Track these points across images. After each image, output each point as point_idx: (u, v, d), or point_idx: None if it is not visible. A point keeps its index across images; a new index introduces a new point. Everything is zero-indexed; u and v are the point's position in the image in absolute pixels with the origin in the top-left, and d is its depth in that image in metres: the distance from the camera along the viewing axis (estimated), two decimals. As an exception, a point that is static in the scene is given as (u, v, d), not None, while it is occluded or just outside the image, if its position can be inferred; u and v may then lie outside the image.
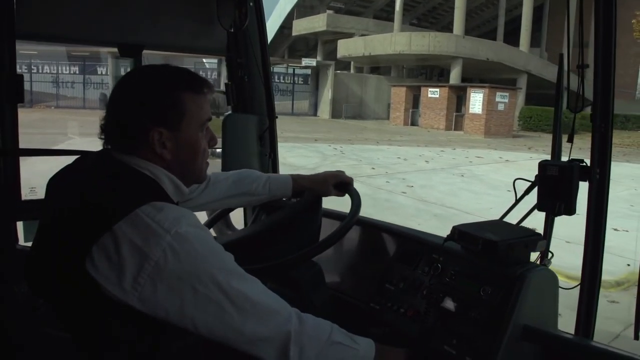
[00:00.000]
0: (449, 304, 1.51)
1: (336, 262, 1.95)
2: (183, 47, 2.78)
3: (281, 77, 36.97)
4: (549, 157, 1.90)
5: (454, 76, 33.52)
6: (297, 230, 1.72)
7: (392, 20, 42.29)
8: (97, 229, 1.01)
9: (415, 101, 31.45)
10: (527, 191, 1.81)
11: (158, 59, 3.46)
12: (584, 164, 1.66)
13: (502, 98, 26.37)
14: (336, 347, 1.18)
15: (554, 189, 1.71)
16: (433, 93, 29.50)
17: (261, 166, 2.50)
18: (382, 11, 45.81)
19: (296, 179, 1.81)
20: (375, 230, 1.94)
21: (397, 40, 34.47)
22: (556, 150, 1.84)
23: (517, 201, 1.86)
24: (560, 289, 1.55)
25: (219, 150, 2.34)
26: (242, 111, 2.52)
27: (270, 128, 2.52)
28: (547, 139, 29.48)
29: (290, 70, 37.07)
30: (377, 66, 43.17)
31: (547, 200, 1.73)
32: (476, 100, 26.22)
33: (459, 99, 28.86)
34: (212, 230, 2.07)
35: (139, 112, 1.16)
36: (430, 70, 44.80)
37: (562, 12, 41.34)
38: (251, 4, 2.35)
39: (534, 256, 1.66)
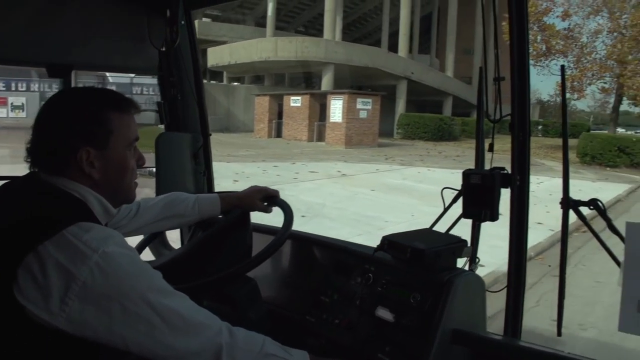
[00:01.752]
0: (382, 312, 1.59)
1: (271, 277, 2.05)
2: (113, 67, 2.84)
3: (143, 89, 34.12)
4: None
5: (326, 83, 32.97)
6: (228, 247, 1.81)
7: (276, 27, 40.58)
8: (22, 251, 1.05)
9: (279, 111, 29.85)
10: (454, 200, 1.92)
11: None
12: (505, 171, 1.76)
13: (364, 105, 25.47)
14: (269, 359, 1.25)
15: (477, 196, 1.80)
16: (295, 102, 28.66)
17: (196, 184, 2.58)
18: (264, 18, 43.99)
19: (224, 197, 1.91)
20: (308, 243, 2.05)
21: (263, 47, 33.33)
22: (479, 160, 1.93)
23: (445, 210, 1.97)
24: (487, 292, 1.66)
25: (154, 169, 2.40)
26: (176, 130, 2.56)
27: (204, 146, 2.59)
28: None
29: (153, 80, 34.21)
30: (257, 75, 41.30)
31: (472, 208, 1.83)
32: (336, 108, 25.38)
33: (323, 108, 28.79)
34: (148, 250, 2.17)
35: (66, 132, 1.21)
36: (307, 77, 43.38)
37: (452, 20, 40.81)
38: (182, 22, 2.41)
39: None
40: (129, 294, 1.08)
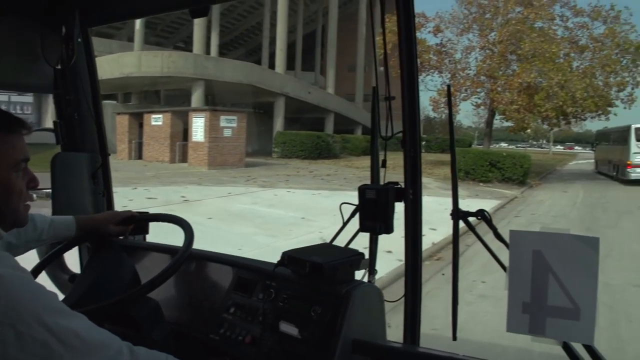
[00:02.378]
0: (284, 326, 1.63)
1: (174, 296, 2.02)
2: (4, 84, 2.80)
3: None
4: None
5: (196, 100, 30.98)
6: (112, 271, 1.79)
7: (148, 42, 38.02)
8: None
9: (141, 131, 27.48)
10: (352, 215, 1.99)
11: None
12: (399, 186, 1.86)
13: (228, 122, 23.74)
14: None
15: (373, 211, 1.89)
16: (156, 120, 26.47)
17: (95, 205, 2.56)
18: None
19: (79, 219, 1.92)
20: (210, 261, 2.05)
21: (126, 62, 30.78)
22: (374, 175, 2.02)
23: (344, 224, 2.03)
24: (386, 302, 1.75)
25: (49, 190, 2.35)
26: (73, 149, 2.52)
27: (103, 165, 2.59)
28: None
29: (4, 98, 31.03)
30: (129, 92, 38.45)
31: (368, 222, 1.91)
32: (198, 126, 23.33)
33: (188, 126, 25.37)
34: (45, 274, 2.09)
35: None
36: (186, 95, 41.36)
37: (339, 38, 40.30)
38: (79, 39, 2.40)
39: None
40: (23, 316, 1.05)
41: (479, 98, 27.73)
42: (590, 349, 1.41)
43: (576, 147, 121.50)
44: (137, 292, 1.63)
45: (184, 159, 25.55)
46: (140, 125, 28.70)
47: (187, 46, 47.74)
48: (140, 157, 28.13)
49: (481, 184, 21.74)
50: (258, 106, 36.95)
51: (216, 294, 1.93)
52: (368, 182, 2.01)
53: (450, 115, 2.01)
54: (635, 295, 7.13)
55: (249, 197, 15.54)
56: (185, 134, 26.11)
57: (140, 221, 2.08)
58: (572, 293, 1.32)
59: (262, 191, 16.91)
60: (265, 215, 12.27)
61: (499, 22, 26.88)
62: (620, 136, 28.51)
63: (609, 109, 26.98)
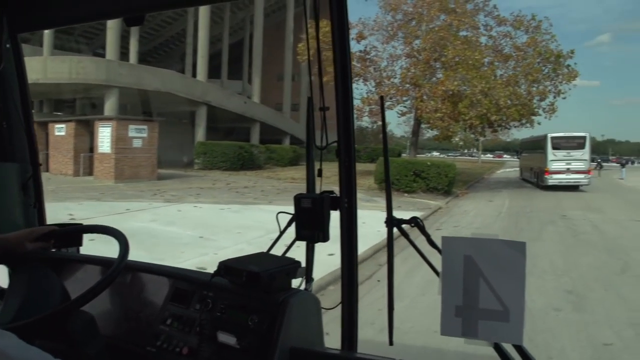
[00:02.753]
0: (222, 337, 1.63)
1: (109, 309, 1.97)
2: None
3: None
4: (168, 205, 6.77)
5: (110, 109, 28.87)
6: (36, 289, 1.73)
7: (65, 48, 35.76)
8: None
9: (47, 141, 25.39)
10: (289, 224, 1.99)
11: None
12: (334, 194, 1.90)
13: (138, 132, 22.06)
14: None
15: (309, 219, 1.91)
16: (59, 130, 24.52)
17: (26, 217, 2.48)
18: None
19: None
20: (146, 272, 2.01)
21: (30, 67, 26.97)
22: (309, 184, 2.05)
23: (281, 233, 2.05)
24: (323, 309, 1.78)
25: None
26: (2, 159, 2.44)
27: (34, 176, 2.52)
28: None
29: None
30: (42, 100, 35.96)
31: (305, 231, 1.94)
32: (104, 137, 21.31)
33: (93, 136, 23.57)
34: None
35: None
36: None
37: (268, 47, 39.07)
38: (7, 45, 2.34)
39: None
40: None
41: (404, 106, 27.13)
42: (519, 349, 1.49)
43: (505, 156, 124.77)
44: (68, 307, 1.59)
45: (90, 171, 23.60)
46: (46, 136, 26.40)
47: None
48: (47, 169, 25.99)
49: (406, 194, 21.06)
50: (180, 115, 35.31)
51: (152, 305, 1.88)
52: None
53: (384, 125, 2.08)
54: (556, 322, 6.45)
55: (149, 213, 14.04)
56: (93, 144, 24.12)
57: (66, 234, 2.09)
58: (502, 296, 1.37)
59: (165, 206, 15.44)
60: (159, 235, 10.95)
61: (424, 29, 26.46)
62: (539, 145, 30.69)
63: (533, 117, 27.20)
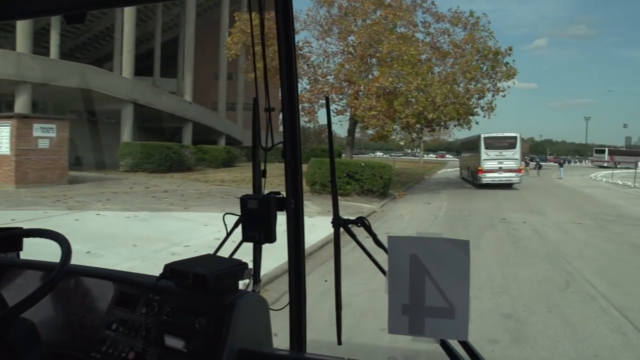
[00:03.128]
0: (169, 340, 1.61)
1: (52, 316, 1.93)
2: None
3: None
4: (66, 214, 4.94)
5: (21, 106, 26.26)
6: None
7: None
8: None
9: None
10: (235, 225, 1.98)
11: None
12: (281, 195, 1.89)
13: (45, 132, 19.86)
14: None
15: (256, 220, 1.90)
16: (-47, 130, 21.02)
17: None
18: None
19: None
20: (89, 277, 1.98)
21: None
22: (256, 185, 2.04)
23: (228, 235, 2.01)
24: (271, 310, 1.78)
25: None
26: None
27: None
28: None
29: None
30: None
31: (251, 232, 1.92)
32: (3, 137, 18.73)
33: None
34: None
35: None
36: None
37: (205, 45, 37.39)
38: None
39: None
40: None
41: (339, 105, 25.75)
42: (465, 345, 1.50)
43: (447, 156, 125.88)
44: (6, 314, 1.53)
45: (-11, 176, 21.18)
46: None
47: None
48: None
49: (339, 197, 19.59)
50: (108, 114, 33.02)
51: (97, 310, 1.85)
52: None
53: (329, 126, 2.02)
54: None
55: (39, 224, 12.06)
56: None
57: (5, 238, 2.03)
58: (447, 293, 1.38)
59: (63, 215, 13.47)
60: (42, 251, 8.90)
61: (360, 24, 25.20)
62: (474, 145, 31.90)
63: (471, 117, 26.42)
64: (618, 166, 65.23)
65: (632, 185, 35.26)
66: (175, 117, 36.90)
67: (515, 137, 30.90)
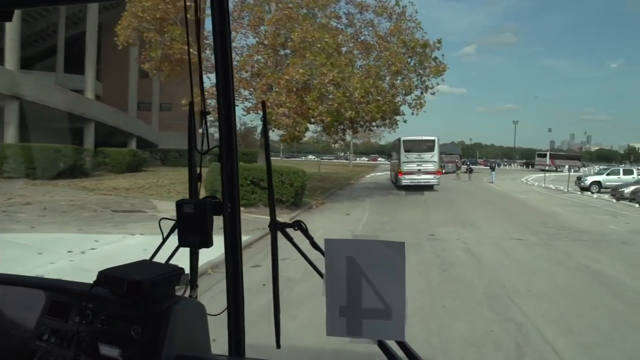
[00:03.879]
0: (104, 349, 1.58)
1: None
2: None
3: None
4: None
5: None
6: None
7: None
8: None
9: None
10: (171, 230, 1.94)
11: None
12: (217, 199, 1.83)
13: None
14: None
15: (192, 225, 1.84)
16: None
17: None
18: None
19: None
20: (18, 286, 1.91)
21: None
22: (192, 189, 1.97)
23: (164, 240, 1.96)
24: (209, 315, 1.73)
25: None
26: None
27: None
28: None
29: None
30: None
31: (187, 236, 1.85)
32: None
33: None
34: None
35: None
36: None
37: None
38: None
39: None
40: None
41: (251, 102, 22.42)
42: (402, 345, 1.52)
43: (380, 159, 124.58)
44: None
45: None
46: None
47: None
48: None
49: (243, 208, 16.39)
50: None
51: (27, 320, 1.79)
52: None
53: (265, 130, 2.10)
54: None
55: None
56: None
57: None
58: (384, 294, 1.39)
59: None
60: None
61: (273, 11, 21.98)
62: (397, 147, 32.88)
63: (397, 117, 23.91)
64: (558, 169, 66.78)
65: (565, 190, 33.73)
66: (76, 117, 32.64)
67: (433, 141, 31.79)
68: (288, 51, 20.79)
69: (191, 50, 2.10)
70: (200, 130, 1.95)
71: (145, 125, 43.16)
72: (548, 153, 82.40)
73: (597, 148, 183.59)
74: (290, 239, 1.75)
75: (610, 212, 21.45)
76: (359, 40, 22.60)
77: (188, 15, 1.92)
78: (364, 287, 1.39)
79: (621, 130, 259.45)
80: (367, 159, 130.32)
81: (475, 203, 24.27)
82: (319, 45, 18.15)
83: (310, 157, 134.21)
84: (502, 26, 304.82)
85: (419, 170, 30.90)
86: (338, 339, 1.44)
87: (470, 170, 47.41)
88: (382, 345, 1.50)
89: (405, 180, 30.90)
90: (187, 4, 1.95)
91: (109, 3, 31.08)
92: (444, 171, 43.32)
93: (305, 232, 1.70)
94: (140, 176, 29.42)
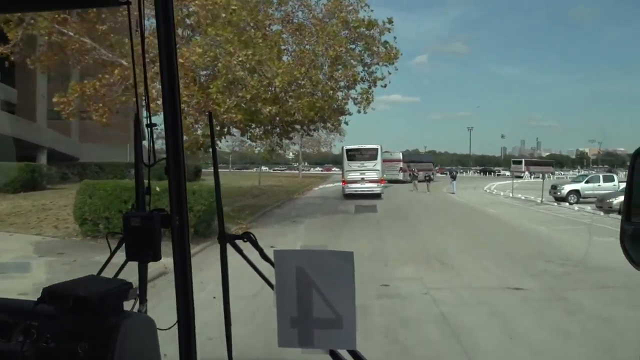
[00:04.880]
0: None
1: None
2: None
3: None
4: None
5: None
6: None
7: None
8: None
9: None
10: (119, 245, 1.85)
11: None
12: (165, 212, 1.77)
13: None
14: None
15: (140, 238, 1.78)
16: None
17: None
18: None
19: None
20: None
21: None
22: (139, 202, 1.90)
23: (112, 255, 1.89)
24: (159, 330, 1.70)
25: None
26: None
27: None
28: None
29: None
30: None
31: (135, 250, 1.78)
32: None
33: None
34: None
35: None
36: None
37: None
38: None
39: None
40: None
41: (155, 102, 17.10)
42: (354, 353, 1.50)
43: (334, 168, 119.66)
44: None
45: None
46: None
47: None
48: None
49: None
50: None
51: None
52: None
53: (213, 141, 2.07)
54: None
55: None
56: None
57: None
58: (334, 304, 1.37)
59: None
60: None
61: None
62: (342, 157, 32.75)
63: (343, 118, 19.18)
64: (532, 177, 65.00)
65: (539, 201, 29.28)
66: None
67: (376, 149, 31.99)
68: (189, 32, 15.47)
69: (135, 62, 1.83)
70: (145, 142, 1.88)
71: (61, 136, 37.40)
72: (523, 160, 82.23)
73: (547, 154, 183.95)
74: (239, 250, 1.73)
75: (610, 232, 16.76)
76: (288, 20, 17.52)
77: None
78: (315, 297, 1.37)
79: (567, 136, 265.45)
80: (321, 168, 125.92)
81: (440, 223, 19.51)
82: (223, 15, 12.96)
83: (264, 168, 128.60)
84: (452, 35, 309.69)
85: (363, 179, 30.80)
86: (290, 350, 1.40)
87: (429, 179, 42.76)
88: (334, 355, 1.49)
89: (349, 189, 30.78)
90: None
91: None
92: (417, 181, 41.18)
93: (254, 243, 1.70)
94: (37, 196, 24.05)
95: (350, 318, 1.36)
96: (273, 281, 1.42)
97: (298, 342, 1.40)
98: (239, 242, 1.73)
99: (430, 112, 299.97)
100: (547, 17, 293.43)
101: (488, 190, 41.86)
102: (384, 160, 60.68)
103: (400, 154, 56.39)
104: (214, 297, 4.77)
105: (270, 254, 1.45)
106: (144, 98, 1.85)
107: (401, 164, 53.35)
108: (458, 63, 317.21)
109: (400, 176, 49.15)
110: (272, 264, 1.42)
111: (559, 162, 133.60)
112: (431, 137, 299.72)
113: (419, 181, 42.00)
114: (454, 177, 41.37)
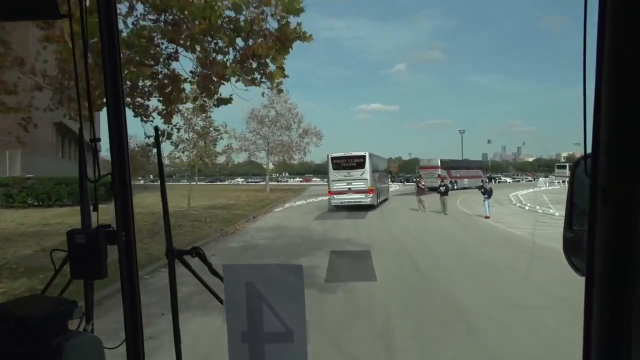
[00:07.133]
0: None
1: None
2: None
3: None
4: None
5: None
6: None
7: None
8: None
9: None
10: (63, 262, 1.81)
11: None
12: (111, 228, 1.72)
13: None
14: None
15: (85, 255, 1.71)
16: None
17: None
18: None
19: None
20: None
21: None
22: (85, 219, 1.82)
23: (56, 273, 1.83)
24: (106, 349, 1.60)
25: None
26: None
27: None
28: None
29: None
30: None
31: (81, 267, 1.72)
32: None
33: None
34: None
35: None
36: None
37: None
38: None
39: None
40: None
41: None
42: None
43: (315, 179, 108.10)
44: None
45: None
46: None
47: None
48: None
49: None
50: None
51: None
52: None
53: (159, 154, 1.85)
54: None
55: None
56: None
57: None
58: (285, 318, 1.36)
59: None
60: None
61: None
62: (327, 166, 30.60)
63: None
64: (558, 182, 58.49)
65: None
66: None
67: (363, 156, 29.50)
68: None
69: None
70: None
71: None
72: (568, 164, 73.01)
73: (532, 159, 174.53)
74: (188, 266, 1.65)
75: None
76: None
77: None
78: (265, 312, 1.36)
79: (547, 140, 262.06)
80: (301, 179, 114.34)
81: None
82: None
83: (239, 180, 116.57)
84: (429, 44, 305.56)
85: (350, 189, 28.92)
86: None
87: (445, 193, 28.21)
88: None
89: (335, 200, 29.11)
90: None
91: None
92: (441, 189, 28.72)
93: (203, 258, 1.64)
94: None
95: (301, 332, 1.34)
96: (222, 296, 1.40)
97: (249, 357, 1.37)
98: (187, 257, 1.62)
99: (410, 119, 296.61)
100: (520, 25, 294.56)
101: (519, 204, 30.59)
102: (420, 168, 51.14)
103: (439, 160, 50.80)
104: (163, 314, 5.37)
105: (219, 269, 1.39)
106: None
107: (439, 171, 47.81)
108: (435, 71, 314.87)
109: (437, 184, 33.57)
110: (221, 279, 1.40)
111: (549, 166, 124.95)
112: (413, 143, 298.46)
113: (441, 193, 28.37)
114: (486, 192, 25.45)
